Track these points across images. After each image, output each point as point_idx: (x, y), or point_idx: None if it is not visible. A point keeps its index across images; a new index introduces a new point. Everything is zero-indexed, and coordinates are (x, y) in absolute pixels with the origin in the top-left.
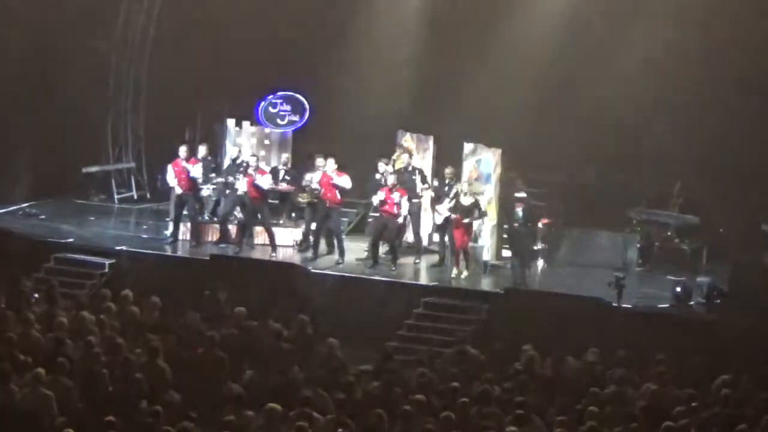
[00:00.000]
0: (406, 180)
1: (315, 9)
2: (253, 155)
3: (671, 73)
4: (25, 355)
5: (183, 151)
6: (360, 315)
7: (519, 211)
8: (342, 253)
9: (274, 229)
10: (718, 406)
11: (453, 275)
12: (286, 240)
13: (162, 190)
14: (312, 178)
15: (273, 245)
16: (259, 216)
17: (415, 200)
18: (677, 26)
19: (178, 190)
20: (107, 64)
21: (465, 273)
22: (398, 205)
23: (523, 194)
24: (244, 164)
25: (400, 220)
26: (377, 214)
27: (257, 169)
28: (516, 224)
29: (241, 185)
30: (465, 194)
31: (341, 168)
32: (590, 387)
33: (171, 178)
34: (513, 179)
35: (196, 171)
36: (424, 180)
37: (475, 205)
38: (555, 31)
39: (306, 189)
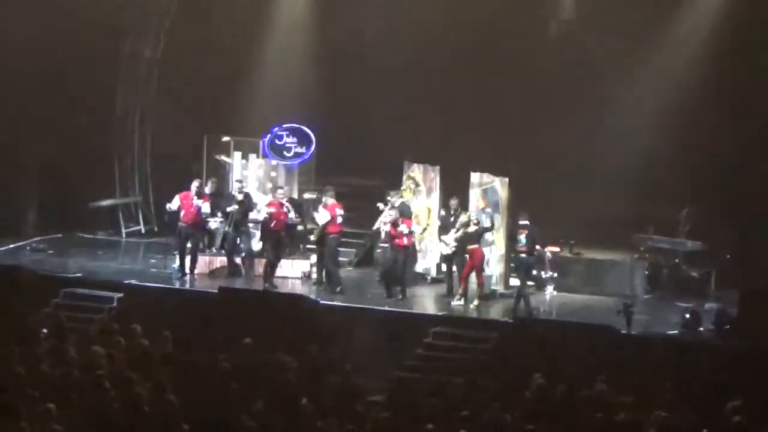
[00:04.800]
0: (404, 210)
1: (320, 42)
2: (281, 187)
3: (676, 101)
4: (35, 390)
5: (195, 186)
6: (369, 345)
7: (522, 238)
8: (337, 283)
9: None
10: None
11: (454, 303)
12: (294, 272)
13: (169, 223)
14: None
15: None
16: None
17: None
18: (684, 61)
19: (182, 222)
20: (114, 99)
21: (476, 302)
22: (408, 235)
23: (526, 221)
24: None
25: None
26: (386, 245)
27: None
28: (519, 251)
29: (264, 210)
30: (470, 223)
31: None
32: (600, 414)
33: (175, 204)
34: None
35: (207, 208)
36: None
37: (477, 231)
38: (563, 58)
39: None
